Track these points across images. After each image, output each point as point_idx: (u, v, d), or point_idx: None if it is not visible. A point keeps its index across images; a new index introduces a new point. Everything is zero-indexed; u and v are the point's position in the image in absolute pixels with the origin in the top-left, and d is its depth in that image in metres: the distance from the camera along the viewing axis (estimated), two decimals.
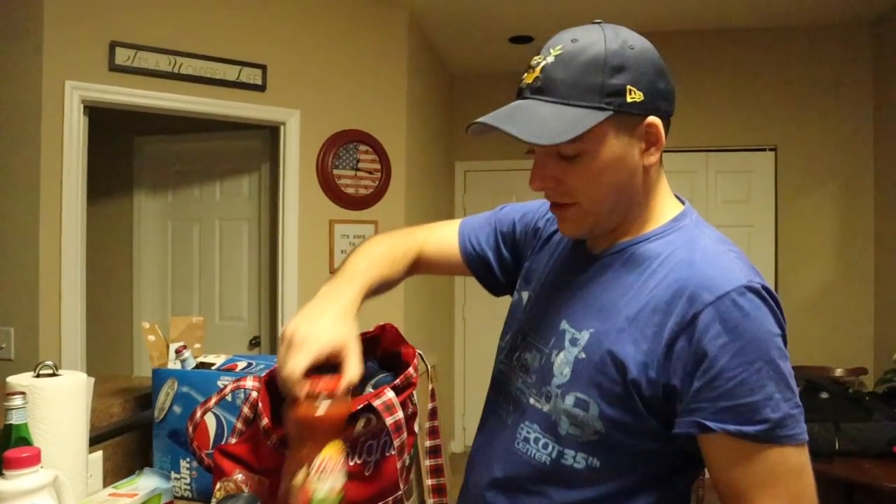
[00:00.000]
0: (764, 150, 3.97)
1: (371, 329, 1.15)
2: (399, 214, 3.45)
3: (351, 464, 0.97)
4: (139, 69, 2.73)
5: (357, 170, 3.34)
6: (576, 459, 0.84)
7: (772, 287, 0.79)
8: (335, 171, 3.28)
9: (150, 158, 3.76)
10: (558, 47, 0.81)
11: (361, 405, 0.96)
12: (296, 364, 0.77)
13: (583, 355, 0.84)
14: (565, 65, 0.79)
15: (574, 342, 0.85)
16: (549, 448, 0.86)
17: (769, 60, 3.94)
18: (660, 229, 0.87)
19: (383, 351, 1.10)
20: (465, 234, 1.13)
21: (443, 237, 1.14)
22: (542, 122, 0.79)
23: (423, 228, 1.16)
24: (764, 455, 0.75)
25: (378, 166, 3.37)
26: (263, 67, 3.05)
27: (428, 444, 1.06)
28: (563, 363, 0.85)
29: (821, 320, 3.85)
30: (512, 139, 0.79)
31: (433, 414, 1.05)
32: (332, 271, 3.19)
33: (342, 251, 3.29)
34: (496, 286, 1.14)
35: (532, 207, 1.11)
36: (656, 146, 0.83)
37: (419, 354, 1.00)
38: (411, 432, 0.99)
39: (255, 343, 3.57)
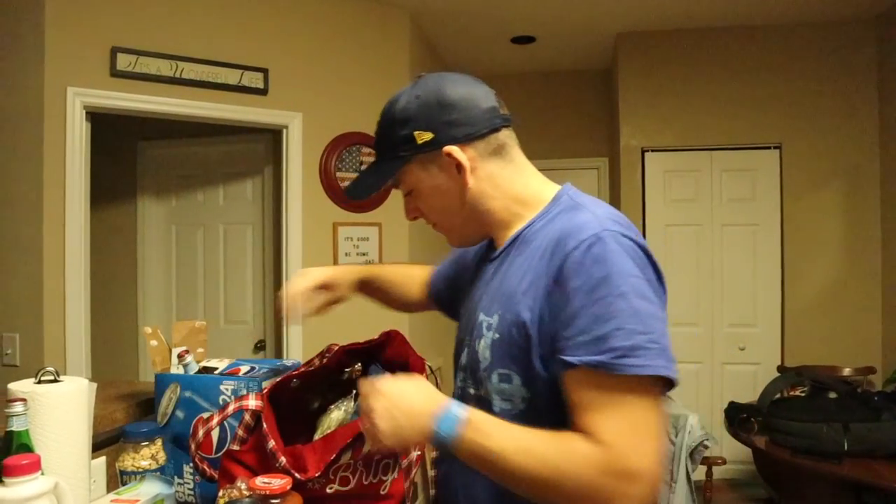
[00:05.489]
0: (769, 147, 3.95)
1: (377, 336, 1.14)
2: (402, 217, 3.43)
3: (365, 483, 0.96)
4: (141, 74, 2.73)
5: (360, 172, 3.33)
6: None
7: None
8: (338, 174, 3.27)
9: (154, 163, 3.76)
10: (381, 112, 1.02)
11: None
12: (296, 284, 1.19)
13: (496, 336, 0.93)
14: (378, 127, 1.02)
15: (489, 327, 0.95)
16: None
17: (774, 58, 3.92)
18: (541, 213, 0.99)
19: (390, 358, 1.09)
20: (432, 283, 1.34)
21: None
22: (365, 180, 1.05)
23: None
24: (610, 383, 0.80)
25: None
26: (265, 71, 3.05)
27: (434, 454, 1.05)
28: (484, 348, 0.95)
29: (828, 319, 3.83)
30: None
31: None
32: None
33: (346, 254, 3.29)
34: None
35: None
36: (460, 169, 0.97)
37: (429, 367, 1.02)
38: (421, 449, 0.98)
39: (260, 346, 3.57)
